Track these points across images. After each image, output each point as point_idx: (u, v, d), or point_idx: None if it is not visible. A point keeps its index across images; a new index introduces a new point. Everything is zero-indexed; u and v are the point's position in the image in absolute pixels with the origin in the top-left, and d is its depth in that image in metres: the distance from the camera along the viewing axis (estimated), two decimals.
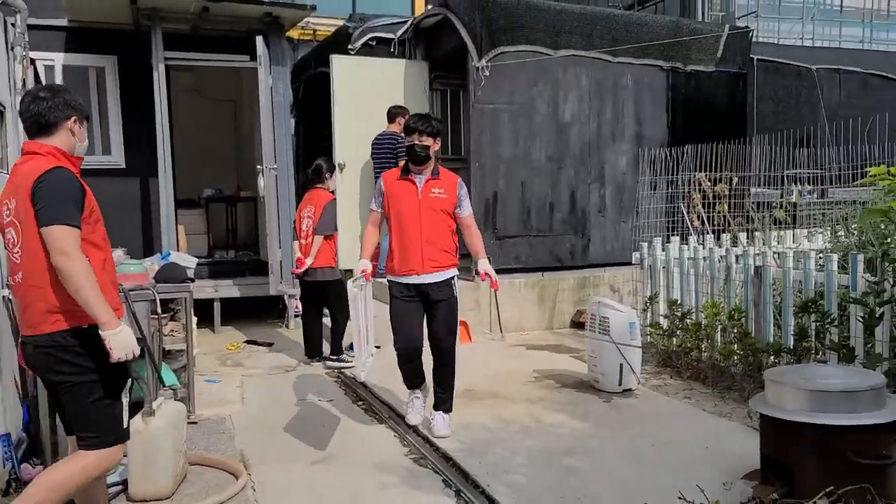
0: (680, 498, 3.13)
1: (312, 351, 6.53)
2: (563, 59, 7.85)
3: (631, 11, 12.00)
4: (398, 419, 4.79)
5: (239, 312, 8.21)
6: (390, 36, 8.51)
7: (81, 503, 3.08)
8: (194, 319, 5.17)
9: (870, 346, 4.51)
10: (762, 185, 8.27)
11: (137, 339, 2.90)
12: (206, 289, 8.03)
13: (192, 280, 5.15)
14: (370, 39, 8.45)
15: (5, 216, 2.86)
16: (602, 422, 4.70)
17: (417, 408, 4.67)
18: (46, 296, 2.76)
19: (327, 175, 6.59)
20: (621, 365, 5.21)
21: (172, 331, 5.09)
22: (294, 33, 10.03)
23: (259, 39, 7.68)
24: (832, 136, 9.38)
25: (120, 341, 2.77)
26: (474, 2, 7.42)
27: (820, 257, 5.05)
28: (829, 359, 4.65)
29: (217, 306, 7.94)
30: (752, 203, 8.10)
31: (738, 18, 13.44)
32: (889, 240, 4.72)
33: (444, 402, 4.52)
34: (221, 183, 10.47)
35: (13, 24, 4.99)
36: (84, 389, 2.83)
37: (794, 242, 6.87)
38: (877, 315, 4.41)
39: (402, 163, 4.99)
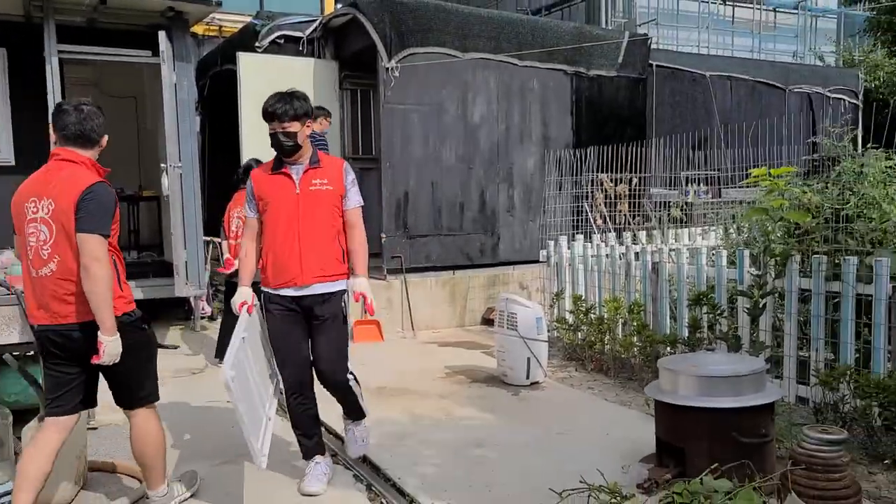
0: (581, 482, 3.27)
1: (224, 352, 6.39)
2: (472, 62, 8.01)
3: (537, 17, 12.34)
4: None
5: None
6: (299, 34, 8.44)
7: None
8: None
9: (754, 335, 4.85)
10: (660, 186, 8.71)
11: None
12: None
13: None
14: (278, 37, 8.36)
15: (31, 212, 3.11)
16: (510, 414, 4.85)
17: (318, 474, 3.73)
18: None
19: None
20: (528, 359, 5.38)
21: None
22: (199, 29, 9.79)
23: (162, 35, 7.44)
24: (724, 140, 9.96)
25: (113, 348, 3.08)
26: (383, 3, 7.46)
27: (712, 254, 5.36)
28: (718, 347, 4.96)
29: None
30: (651, 202, 8.52)
31: (639, 25, 14.01)
32: (771, 236, 5.08)
33: (353, 413, 3.93)
34: (123, 182, 10.04)
35: None
36: (133, 354, 3.23)
37: (689, 240, 7.26)
38: (760, 306, 4.74)
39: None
